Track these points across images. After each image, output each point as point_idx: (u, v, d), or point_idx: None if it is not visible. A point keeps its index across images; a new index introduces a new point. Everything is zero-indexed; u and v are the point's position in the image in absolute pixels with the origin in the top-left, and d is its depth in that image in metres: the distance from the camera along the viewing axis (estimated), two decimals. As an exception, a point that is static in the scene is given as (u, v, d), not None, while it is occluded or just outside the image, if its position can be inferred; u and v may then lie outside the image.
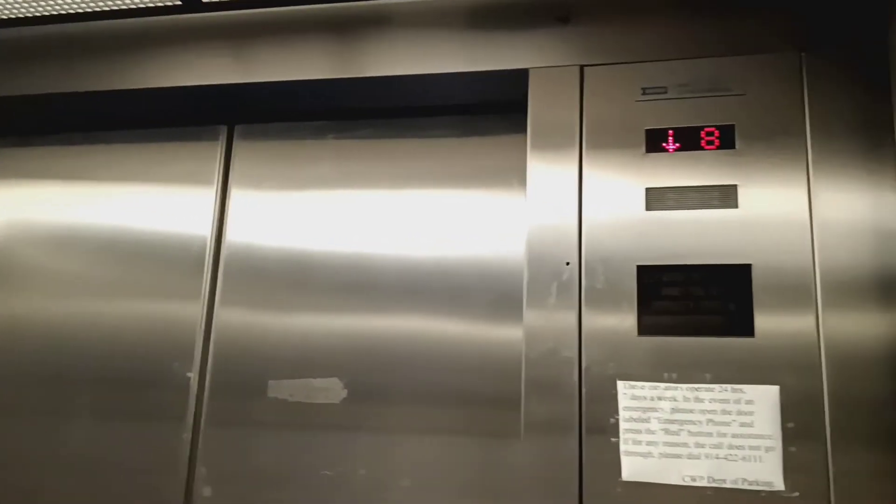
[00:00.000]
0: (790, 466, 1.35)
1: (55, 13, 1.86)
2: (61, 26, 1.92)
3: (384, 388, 1.74)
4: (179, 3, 1.78)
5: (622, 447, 1.42)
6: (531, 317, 1.51)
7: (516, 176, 1.75)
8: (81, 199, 2.02)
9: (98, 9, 1.83)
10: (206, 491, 1.76)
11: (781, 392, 1.38)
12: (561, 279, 1.52)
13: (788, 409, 1.37)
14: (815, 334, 1.39)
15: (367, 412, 1.73)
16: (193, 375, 1.82)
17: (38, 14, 1.87)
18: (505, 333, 1.70)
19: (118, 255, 1.96)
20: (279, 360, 1.79)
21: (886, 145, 1.44)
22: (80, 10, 1.85)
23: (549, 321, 1.50)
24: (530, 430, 1.47)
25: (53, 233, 2.01)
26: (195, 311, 1.86)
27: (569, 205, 1.55)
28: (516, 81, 1.65)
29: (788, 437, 1.36)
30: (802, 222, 1.44)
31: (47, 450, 1.88)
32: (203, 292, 1.87)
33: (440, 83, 1.73)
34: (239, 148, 1.96)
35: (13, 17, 1.89)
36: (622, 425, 1.43)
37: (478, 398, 1.69)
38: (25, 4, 1.82)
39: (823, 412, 1.36)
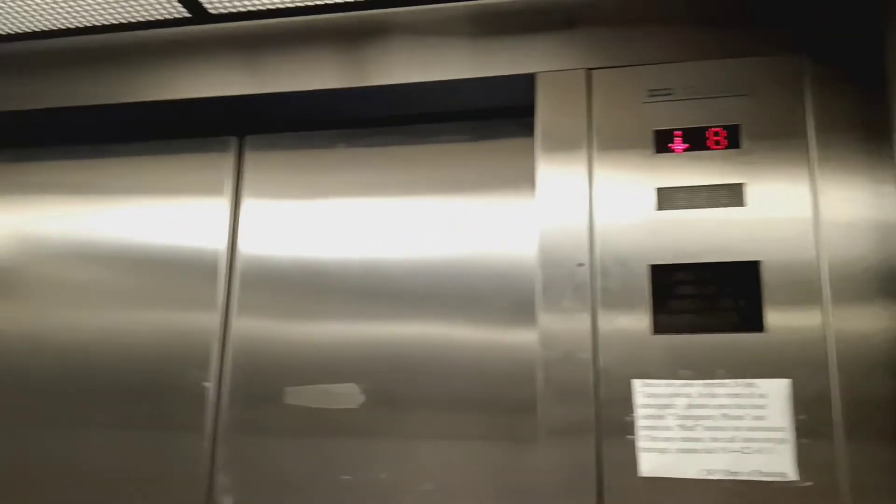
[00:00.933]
0: (803, 457, 1.38)
1: (65, 27, 1.87)
2: (71, 39, 1.93)
3: (401, 393, 1.76)
4: (188, 15, 1.79)
5: (639, 444, 1.45)
6: (545, 319, 1.54)
7: (526, 179, 1.77)
8: (95, 211, 2.03)
9: (107, 22, 1.84)
10: (227, 500, 1.77)
11: (792, 385, 1.41)
12: (574, 281, 1.54)
13: (800, 402, 1.40)
14: (823, 328, 1.42)
15: (385, 417, 1.75)
16: (211, 385, 1.84)
17: (48, 28, 1.88)
18: (520, 337, 1.72)
19: (133, 266, 1.97)
20: (296, 367, 1.81)
21: (885, 143, 1.47)
22: (90, 24, 1.85)
23: (564, 323, 1.52)
24: (548, 432, 1.49)
25: (67, 246, 2.02)
26: (212, 320, 1.87)
27: (580, 207, 1.57)
28: (524, 86, 1.67)
29: (800, 428, 1.40)
30: (807, 219, 1.47)
31: (67, 461, 1.89)
32: (219, 302, 1.88)
33: (447, 90, 1.74)
34: (250, 158, 1.97)
35: (24, 31, 1.90)
36: (639, 423, 1.45)
37: (494, 402, 1.71)
38: (36, 18, 1.83)
39: (833, 404, 1.39)
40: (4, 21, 1.84)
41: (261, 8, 1.76)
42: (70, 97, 1.90)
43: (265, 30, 1.82)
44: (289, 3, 1.74)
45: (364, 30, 1.78)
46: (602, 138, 1.60)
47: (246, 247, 1.92)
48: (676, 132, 1.56)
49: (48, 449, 1.90)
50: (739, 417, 1.43)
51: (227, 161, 1.97)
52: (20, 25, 1.87)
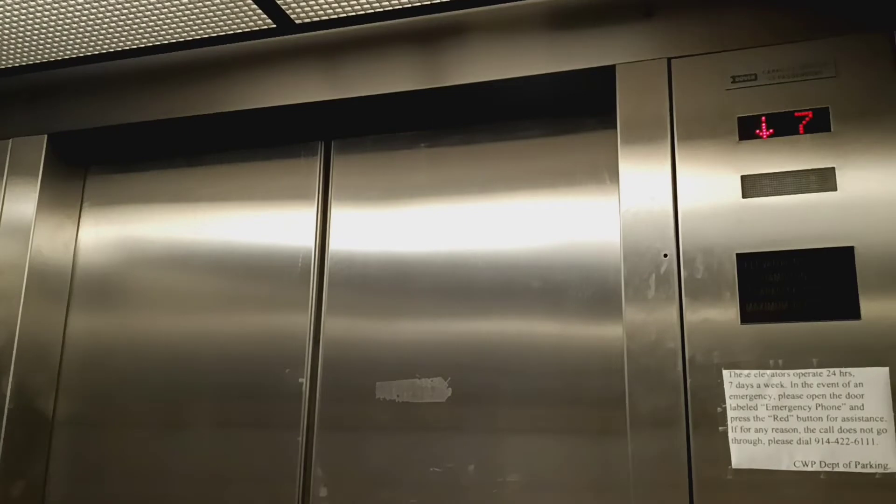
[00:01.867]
0: (904, 448, 1.34)
1: (159, 43, 1.97)
2: (165, 56, 2.02)
3: (487, 387, 1.78)
4: (274, 25, 1.86)
5: (731, 435, 1.43)
6: (631, 311, 1.53)
7: (608, 171, 1.78)
8: (189, 219, 2.11)
9: (199, 37, 1.93)
10: (322, 492, 1.83)
11: (891, 373, 1.37)
12: (659, 271, 1.53)
13: (899, 391, 1.36)
14: (924, 313, 1.37)
15: (472, 410, 1.78)
16: (305, 381, 1.89)
17: (143, 45, 1.98)
18: (603, 329, 1.72)
19: (227, 270, 2.04)
20: (385, 362, 1.85)
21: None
22: (182, 39, 1.94)
23: (650, 314, 1.52)
24: (637, 424, 1.49)
25: (166, 253, 2.11)
26: (303, 320, 1.93)
27: (663, 197, 1.56)
28: (603, 78, 1.67)
29: (901, 418, 1.35)
30: (905, 201, 1.43)
31: (168, 459, 1.98)
32: (310, 301, 1.94)
33: (526, 85, 1.75)
34: (336, 162, 2.03)
35: (120, 49, 2.00)
36: (730, 413, 1.44)
37: (579, 394, 1.71)
38: (131, 36, 1.93)
39: (936, 392, 1.35)
40: (101, 41, 1.95)
41: (343, 16, 1.81)
42: (164, 110, 1.99)
43: (346, 36, 1.87)
44: (369, 9, 1.78)
45: (441, 31, 1.81)
46: (684, 127, 1.58)
47: (335, 247, 1.97)
48: (762, 118, 1.53)
49: (152, 447, 1.99)
50: (835, 407, 1.39)
51: (314, 165, 2.03)
52: (116, 44, 1.97)
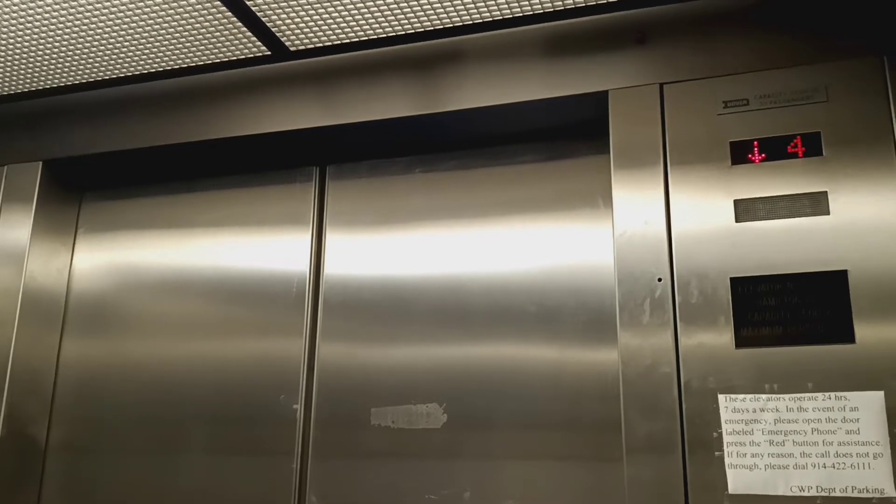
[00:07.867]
0: (902, 472, 1.33)
1: (152, 71, 1.98)
2: (157, 83, 2.03)
3: (482, 413, 1.77)
4: (269, 52, 1.87)
5: (727, 460, 1.42)
6: (626, 335, 1.53)
7: (602, 196, 1.78)
8: (184, 245, 2.11)
9: (194, 64, 1.94)
10: (317, 519, 1.82)
11: (887, 397, 1.37)
12: (654, 296, 1.53)
13: (895, 415, 1.35)
14: (919, 337, 1.37)
15: (468, 436, 1.77)
16: (299, 407, 1.88)
17: (139, 73, 1.99)
18: (600, 354, 1.71)
19: (222, 296, 2.04)
20: (380, 388, 1.84)
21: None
22: (176, 67, 1.95)
23: (645, 338, 1.52)
24: (633, 449, 1.48)
25: (159, 279, 2.10)
26: (298, 345, 1.92)
27: (657, 221, 1.56)
28: (596, 104, 1.68)
29: (897, 442, 1.35)
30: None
31: (162, 486, 1.96)
32: (305, 327, 1.93)
33: (521, 111, 1.77)
34: (332, 187, 2.03)
35: (116, 76, 2.01)
36: (726, 439, 1.43)
37: (575, 420, 1.70)
38: (127, 63, 1.94)
39: (933, 415, 1.34)
40: (96, 68, 1.96)
41: (337, 43, 1.82)
42: (160, 137, 2.00)
43: (341, 63, 1.88)
44: (364, 37, 1.80)
45: (437, 57, 1.82)
46: (677, 152, 1.59)
47: (330, 273, 1.97)
48: (754, 142, 1.54)
49: (146, 473, 1.98)
50: (831, 432, 1.39)
51: (309, 191, 2.03)
52: (112, 71, 1.98)
